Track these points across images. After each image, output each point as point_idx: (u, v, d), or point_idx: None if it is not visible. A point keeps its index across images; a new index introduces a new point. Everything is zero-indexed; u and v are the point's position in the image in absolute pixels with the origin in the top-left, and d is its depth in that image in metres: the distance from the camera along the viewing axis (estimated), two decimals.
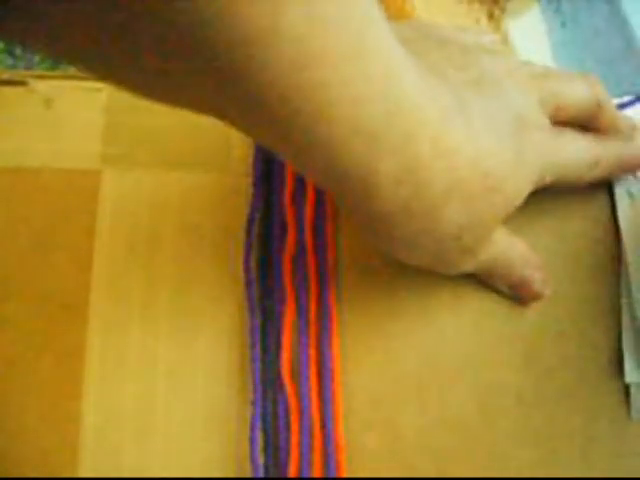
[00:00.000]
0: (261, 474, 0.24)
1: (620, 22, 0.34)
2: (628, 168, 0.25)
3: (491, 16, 0.35)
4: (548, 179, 0.23)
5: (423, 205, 0.20)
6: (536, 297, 0.25)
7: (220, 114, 0.18)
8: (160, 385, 0.25)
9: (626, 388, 0.24)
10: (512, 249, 0.24)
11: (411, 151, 0.19)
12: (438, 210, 0.20)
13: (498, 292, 0.25)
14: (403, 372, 0.25)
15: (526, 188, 0.22)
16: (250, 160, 0.26)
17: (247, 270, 0.25)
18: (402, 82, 0.18)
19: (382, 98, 0.17)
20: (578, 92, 0.23)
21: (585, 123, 0.24)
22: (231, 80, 0.16)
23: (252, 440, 0.24)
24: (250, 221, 0.26)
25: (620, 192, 0.26)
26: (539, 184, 0.23)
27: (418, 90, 0.19)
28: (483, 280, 0.25)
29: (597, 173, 0.24)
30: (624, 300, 0.25)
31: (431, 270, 0.23)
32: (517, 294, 0.25)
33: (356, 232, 0.26)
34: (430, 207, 0.20)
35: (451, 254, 0.22)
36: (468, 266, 0.23)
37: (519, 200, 0.22)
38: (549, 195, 0.24)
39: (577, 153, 0.24)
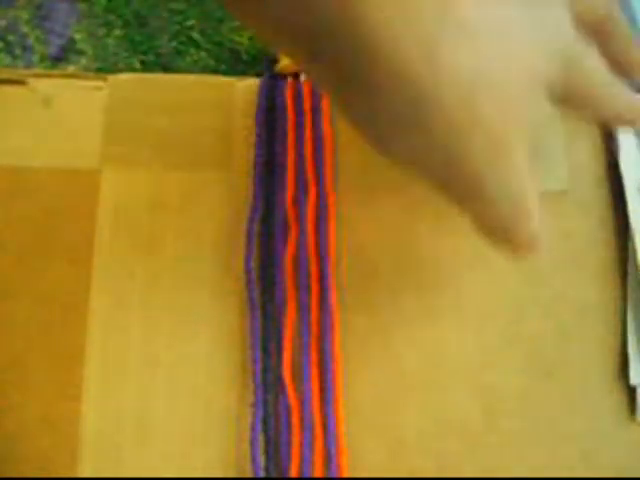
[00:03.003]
0: (262, 475, 0.24)
1: (626, 19, 0.34)
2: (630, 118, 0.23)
3: None
4: (566, 82, 0.20)
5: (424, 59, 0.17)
6: (525, 248, 0.21)
7: None
8: (160, 385, 0.25)
9: (630, 390, 0.24)
10: (524, 196, 0.19)
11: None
12: (439, 58, 0.17)
13: (501, 294, 0.25)
14: (405, 374, 0.25)
15: (544, 70, 0.19)
16: (251, 160, 0.26)
17: (248, 270, 0.25)
18: None
19: None
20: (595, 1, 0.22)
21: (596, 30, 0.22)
22: None
23: (253, 441, 0.24)
24: (250, 221, 0.26)
25: (631, 190, 0.26)
26: (556, 86, 0.20)
27: None
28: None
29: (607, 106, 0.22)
30: (630, 302, 0.25)
31: (428, 183, 0.19)
32: (506, 239, 0.20)
33: (358, 231, 0.26)
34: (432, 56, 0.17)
35: (452, 156, 0.18)
36: (467, 191, 0.19)
37: (538, 88, 0.19)
38: (552, 195, 0.24)
39: (601, 68, 0.21)
